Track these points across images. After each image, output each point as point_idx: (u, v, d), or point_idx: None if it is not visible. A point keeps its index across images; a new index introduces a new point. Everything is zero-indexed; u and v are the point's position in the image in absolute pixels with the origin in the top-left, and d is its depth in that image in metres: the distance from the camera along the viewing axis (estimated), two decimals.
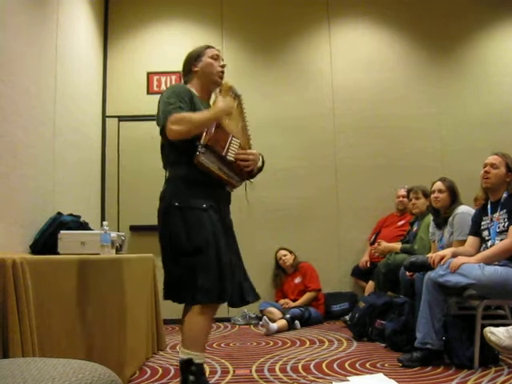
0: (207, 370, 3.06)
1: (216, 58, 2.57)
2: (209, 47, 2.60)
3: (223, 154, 2.35)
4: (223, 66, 2.57)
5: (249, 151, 2.48)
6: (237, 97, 2.52)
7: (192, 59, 2.57)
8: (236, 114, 2.51)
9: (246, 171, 2.47)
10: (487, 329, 2.62)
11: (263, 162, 2.57)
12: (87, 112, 4.97)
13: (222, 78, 2.56)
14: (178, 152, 2.37)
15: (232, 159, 2.38)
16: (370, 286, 4.80)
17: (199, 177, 2.34)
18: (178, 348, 2.37)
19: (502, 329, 2.60)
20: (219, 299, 2.29)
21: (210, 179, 2.37)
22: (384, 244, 4.59)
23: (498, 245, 3.09)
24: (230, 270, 2.34)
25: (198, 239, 2.28)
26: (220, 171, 2.35)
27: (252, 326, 4.91)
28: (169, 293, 2.39)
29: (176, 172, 2.40)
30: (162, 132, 2.34)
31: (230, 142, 2.39)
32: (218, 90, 2.54)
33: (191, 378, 2.25)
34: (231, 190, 2.55)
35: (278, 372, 3.05)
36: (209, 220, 2.33)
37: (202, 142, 2.28)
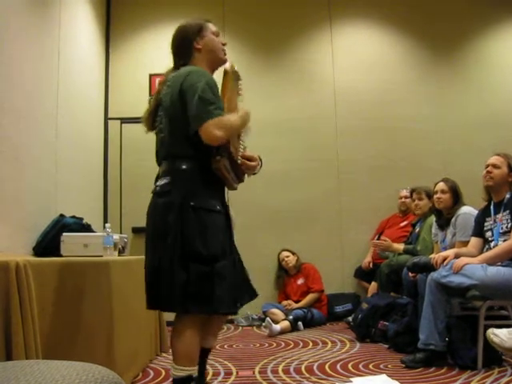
0: (210, 371, 3.07)
1: (217, 34, 2.35)
2: (208, 21, 2.36)
3: (235, 158, 2.24)
4: (224, 44, 2.37)
5: (254, 156, 2.35)
6: (239, 79, 2.39)
7: (192, 35, 2.28)
8: (234, 95, 2.35)
9: (245, 174, 2.35)
10: (490, 330, 2.61)
11: (261, 166, 2.43)
12: (89, 114, 4.98)
13: (225, 55, 2.36)
14: (194, 147, 2.11)
15: (240, 163, 2.29)
16: (372, 286, 4.79)
17: (213, 176, 2.15)
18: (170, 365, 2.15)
19: (504, 330, 2.59)
20: (231, 310, 2.18)
21: (219, 179, 2.21)
22: (390, 242, 4.54)
23: (501, 245, 3.09)
24: (239, 276, 2.26)
25: (214, 246, 2.08)
26: (229, 174, 2.21)
27: (255, 328, 4.91)
28: (162, 299, 2.07)
29: (188, 166, 2.12)
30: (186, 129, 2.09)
31: (240, 146, 2.31)
32: (225, 70, 2.31)
33: None
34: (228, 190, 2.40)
35: (281, 373, 3.05)
36: (222, 224, 2.20)
37: (223, 147, 2.14)
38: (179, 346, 2.07)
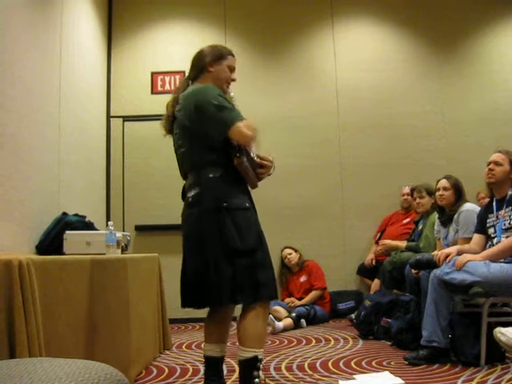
0: None
1: (232, 70, 2.53)
2: (232, 55, 2.54)
3: (252, 156, 2.44)
4: (233, 80, 2.54)
5: (269, 157, 2.54)
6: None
7: (211, 57, 2.47)
8: None
9: (262, 174, 2.53)
10: (497, 329, 2.61)
11: (274, 168, 2.60)
12: (92, 112, 4.98)
13: (228, 88, 2.54)
14: (216, 153, 2.32)
15: (258, 162, 2.47)
16: (375, 284, 4.79)
17: (237, 177, 2.35)
18: (237, 346, 2.35)
19: (511, 329, 2.59)
20: (274, 295, 2.37)
21: (242, 179, 2.40)
22: (390, 243, 4.56)
23: (503, 242, 3.08)
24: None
25: (250, 240, 2.30)
26: (250, 172, 2.39)
27: None
28: (211, 295, 2.25)
29: (214, 173, 2.31)
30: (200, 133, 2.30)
31: (252, 150, 2.48)
32: None
33: (256, 373, 2.26)
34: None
35: (284, 371, 3.06)
36: (254, 218, 2.42)
37: (242, 148, 2.34)
38: (249, 329, 2.28)
